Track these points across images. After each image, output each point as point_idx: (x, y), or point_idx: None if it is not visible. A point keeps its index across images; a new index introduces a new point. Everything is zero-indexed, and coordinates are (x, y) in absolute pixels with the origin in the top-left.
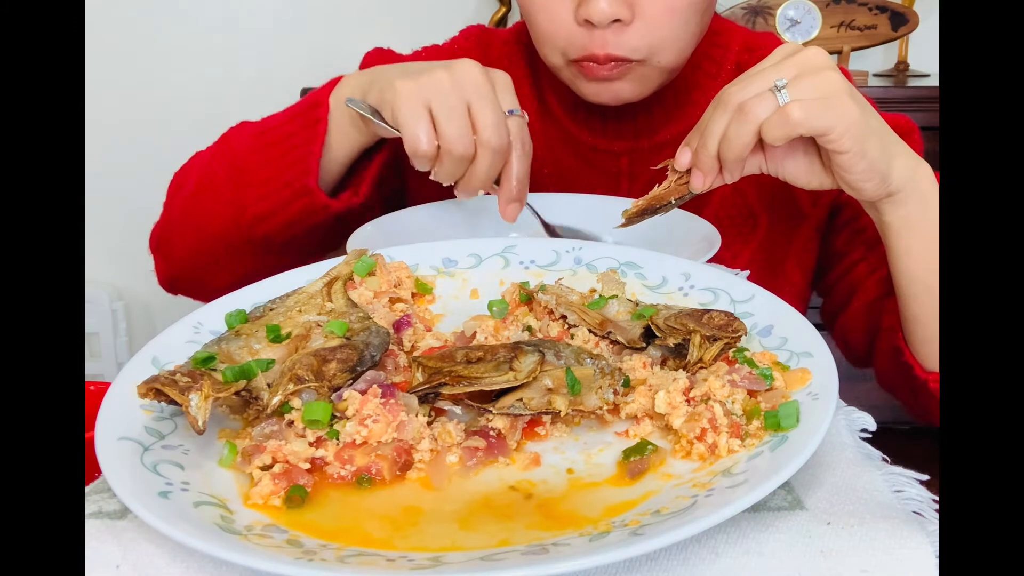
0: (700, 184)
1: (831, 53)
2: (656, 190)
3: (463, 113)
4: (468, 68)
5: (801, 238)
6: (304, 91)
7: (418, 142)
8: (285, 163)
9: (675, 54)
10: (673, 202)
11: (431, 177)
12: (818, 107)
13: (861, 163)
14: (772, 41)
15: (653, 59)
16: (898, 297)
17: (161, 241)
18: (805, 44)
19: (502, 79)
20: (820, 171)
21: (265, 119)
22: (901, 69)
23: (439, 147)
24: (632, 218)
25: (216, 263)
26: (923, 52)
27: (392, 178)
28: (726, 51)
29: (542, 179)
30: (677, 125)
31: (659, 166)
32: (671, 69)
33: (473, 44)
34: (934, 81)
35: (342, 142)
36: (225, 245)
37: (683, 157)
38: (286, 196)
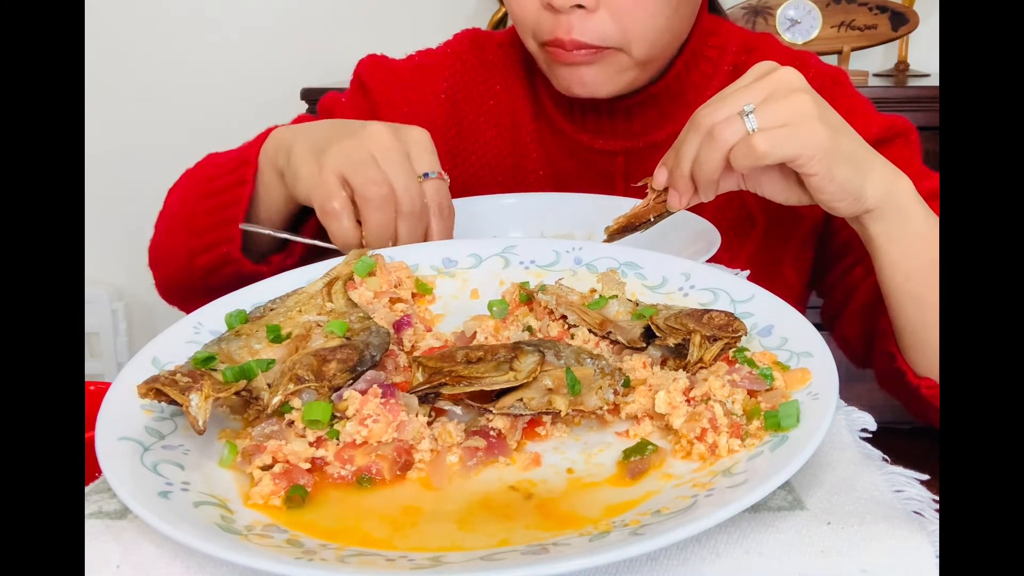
0: (677, 203)
1: (831, 53)
2: (636, 207)
3: (370, 166)
4: (377, 133)
5: (798, 240)
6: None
7: (342, 230)
8: (213, 223)
9: (647, 46)
10: (652, 220)
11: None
12: (783, 136)
13: (830, 185)
14: (770, 43)
15: (625, 48)
16: (887, 306)
17: (152, 261)
18: (805, 44)
19: (416, 139)
20: (797, 189)
21: (210, 163)
22: (901, 69)
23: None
24: (613, 235)
25: (187, 295)
26: (923, 52)
27: None
28: (723, 52)
29: (537, 180)
30: (673, 125)
31: (639, 184)
32: (644, 62)
33: (467, 47)
34: (934, 81)
35: (275, 202)
36: (188, 284)
37: (660, 176)
38: (216, 260)
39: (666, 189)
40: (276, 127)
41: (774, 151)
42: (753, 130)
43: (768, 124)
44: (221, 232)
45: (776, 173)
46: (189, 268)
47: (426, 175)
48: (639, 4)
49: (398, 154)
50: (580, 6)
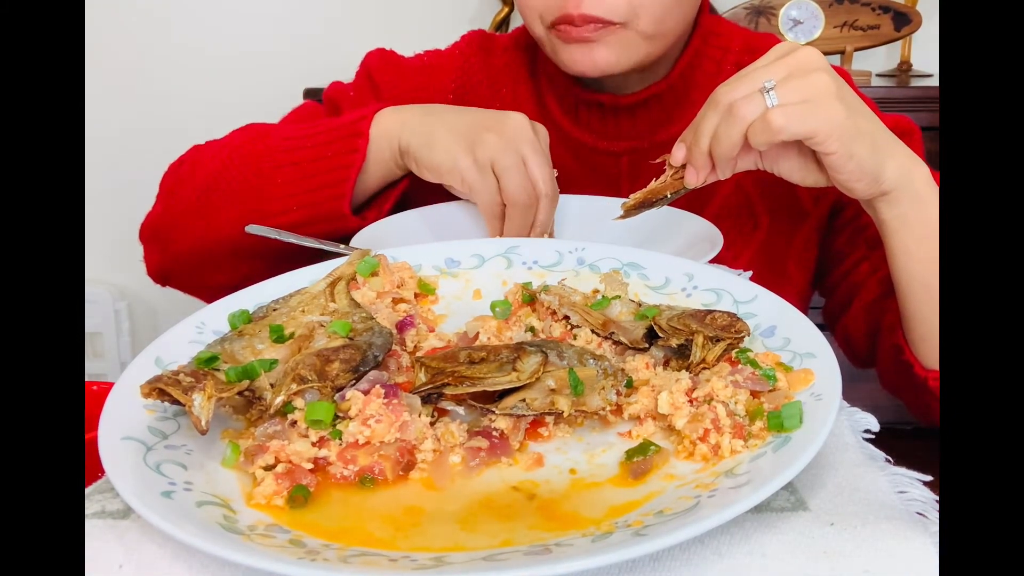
0: (694, 180)
1: (834, 53)
2: (653, 184)
3: (521, 169)
4: (523, 128)
5: (802, 238)
6: (307, 91)
7: (491, 206)
8: (315, 184)
9: (655, 20)
10: (669, 196)
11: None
12: (800, 112)
13: (849, 164)
14: (773, 43)
15: (632, 23)
16: (897, 294)
17: (158, 232)
18: (808, 44)
19: (545, 136)
20: (815, 170)
21: (290, 131)
22: (904, 69)
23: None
24: (630, 211)
25: (219, 262)
26: (926, 52)
27: None
28: (726, 52)
29: None
30: (677, 125)
31: (657, 160)
32: (651, 37)
33: (475, 50)
34: (937, 81)
35: (378, 174)
36: (233, 247)
37: (678, 153)
38: (312, 215)
39: (684, 166)
40: (372, 108)
41: (790, 127)
42: (773, 106)
43: (787, 100)
44: (327, 192)
45: (794, 152)
46: (238, 235)
47: None
48: None
49: (543, 155)
50: None
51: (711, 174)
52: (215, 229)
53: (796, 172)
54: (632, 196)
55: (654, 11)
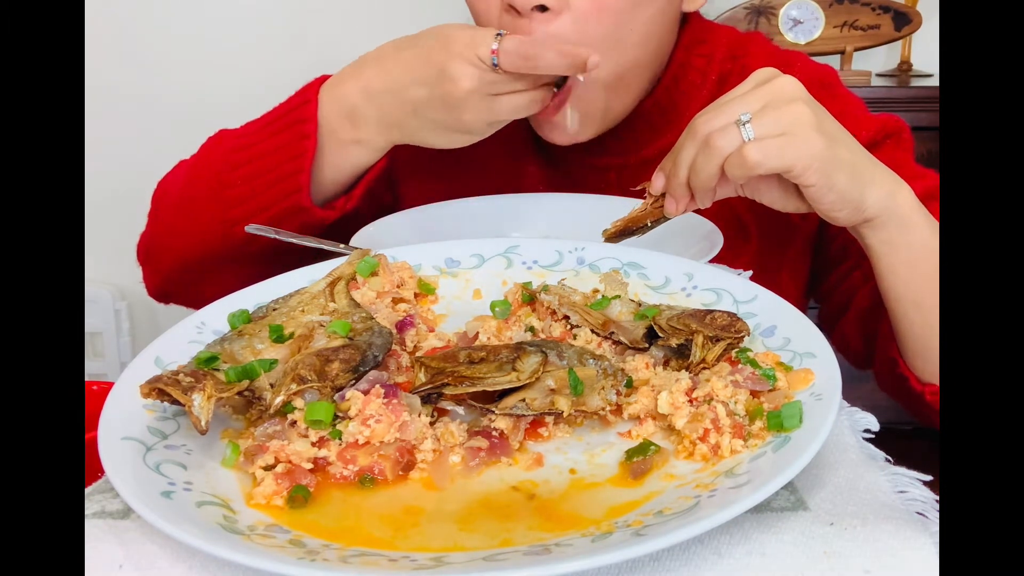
0: (673, 209)
1: (834, 53)
2: (633, 211)
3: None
4: (461, 83)
5: (794, 248)
6: None
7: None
8: (272, 179)
9: (611, 65)
10: (649, 224)
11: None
12: (777, 146)
13: (829, 195)
14: (758, 44)
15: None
16: (888, 313)
17: (149, 253)
18: (808, 44)
19: (462, 41)
20: (795, 198)
21: (244, 128)
22: (904, 69)
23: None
24: (611, 237)
25: (204, 276)
26: (926, 52)
27: (383, 192)
28: (710, 60)
29: None
30: (664, 138)
31: (638, 187)
32: (612, 85)
33: None
34: (937, 81)
35: (341, 159)
36: (213, 258)
37: (657, 182)
38: (277, 213)
39: (663, 194)
40: (313, 88)
41: (767, 161)
42: (749, 139)
43: (764, 134)
44: (284, 186)
45: (774, 181)
46: (225, 239)
47: (494, 57)
48: (602, 12)
49: (471, 35)
50: (544, 8)
51: (691, 203)
52: (192, 242)
53: (777, 201)
54: (612, 223)
55: (608, 55)
